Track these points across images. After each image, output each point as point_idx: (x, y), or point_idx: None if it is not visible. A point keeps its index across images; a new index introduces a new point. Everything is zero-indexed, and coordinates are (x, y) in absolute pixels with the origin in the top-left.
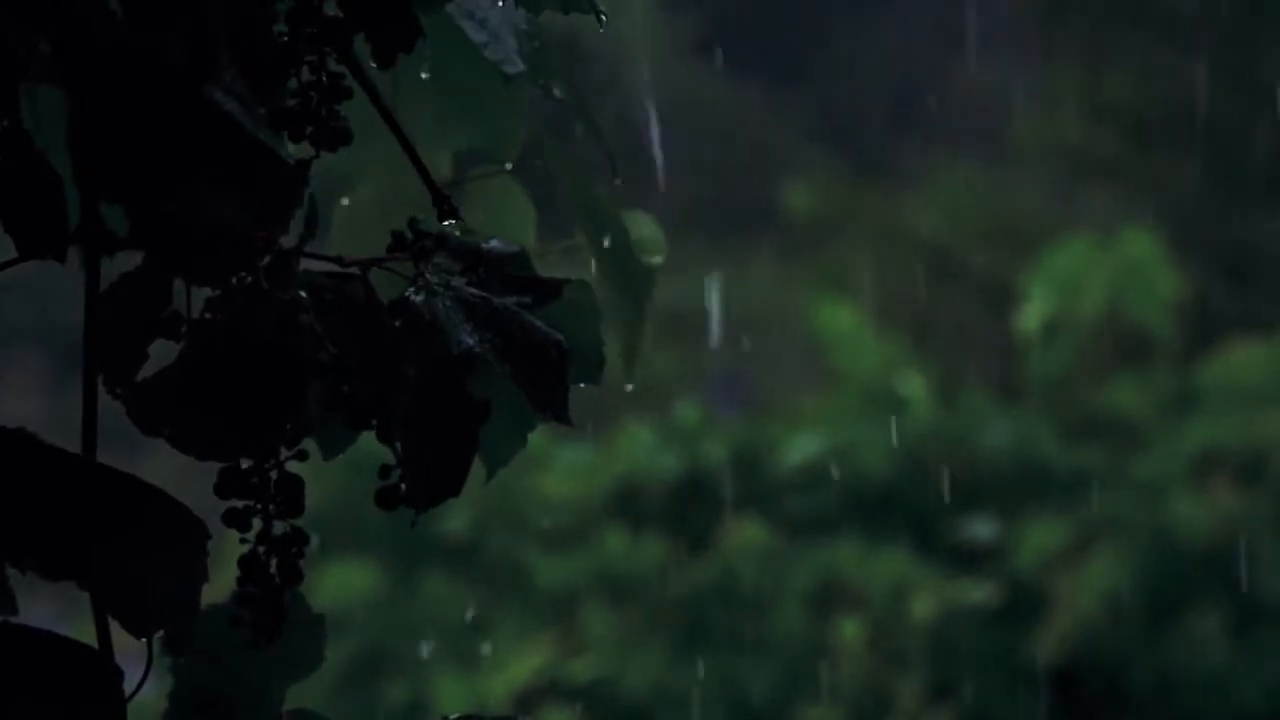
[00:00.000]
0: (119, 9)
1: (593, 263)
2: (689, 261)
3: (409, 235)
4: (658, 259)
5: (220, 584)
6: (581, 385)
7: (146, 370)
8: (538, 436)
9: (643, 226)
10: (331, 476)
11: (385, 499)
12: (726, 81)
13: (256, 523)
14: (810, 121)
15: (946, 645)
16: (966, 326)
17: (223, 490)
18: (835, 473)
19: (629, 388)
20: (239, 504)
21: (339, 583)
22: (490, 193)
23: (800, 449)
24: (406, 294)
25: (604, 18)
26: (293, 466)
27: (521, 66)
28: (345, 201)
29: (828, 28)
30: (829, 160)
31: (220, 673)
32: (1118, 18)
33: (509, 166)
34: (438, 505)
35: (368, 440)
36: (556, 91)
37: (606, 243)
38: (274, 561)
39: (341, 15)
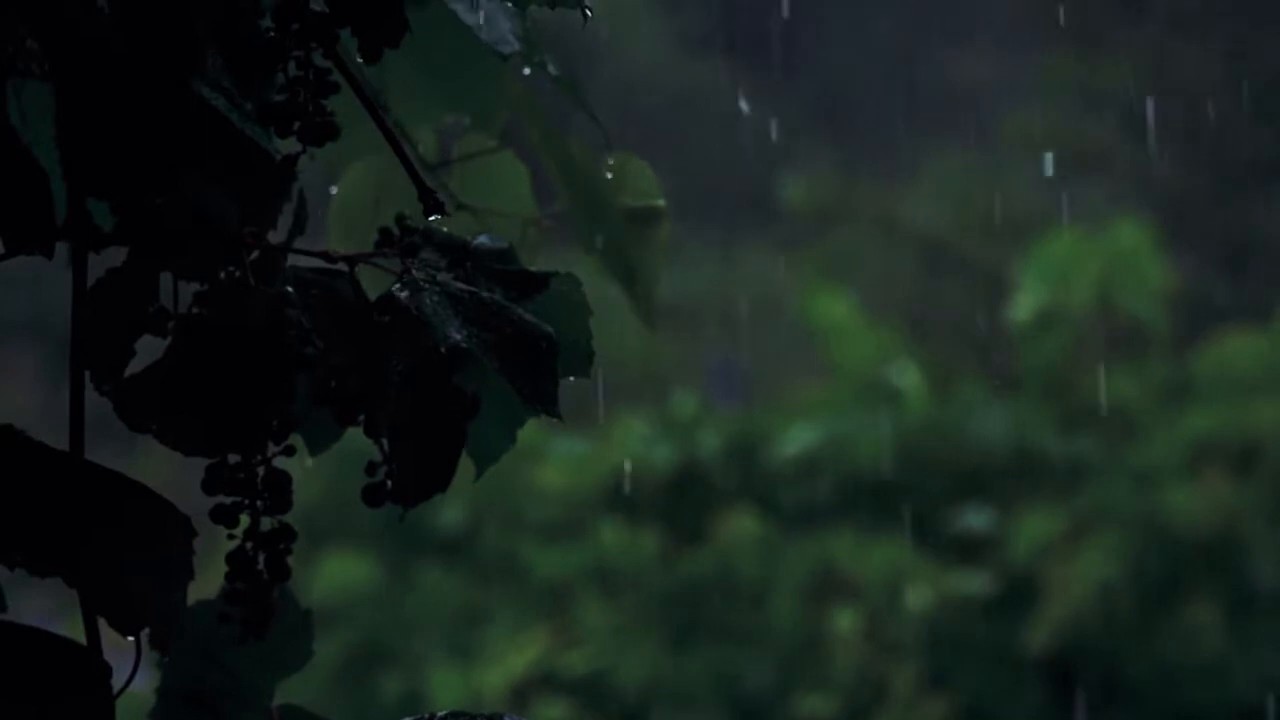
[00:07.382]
0: (106, 5)
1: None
2: (685, 252)
3: (396, 232)
4: (659, 201)
5: (209, 580)
6: (571, 379)
7: (134, 366)
8: (532, 429)
9: (638, 174)
10: (326, 470)
11: (371, 496)
12: (722, 72)
13: (244, 519)
14: (806, 112)
15: (942, 635)
16: (962, 317)
17: (210, 486)
18: (829, 464)
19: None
20: (227, 500)
21: (335, 576)
22: (485, 165)
23: (796, 440)
24: (393, 289)
25: (589, 13)
26: (283, 462)
27: (517, 46)
28: (334, 190)
29: (824, 18)
30: (825, 151)
31: (209, 668)
32: (1113, 7)
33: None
34: (425, 501)
35: (362, 435)
36: (551, 69)
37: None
38: (262, 557)
39: (328, 10)
